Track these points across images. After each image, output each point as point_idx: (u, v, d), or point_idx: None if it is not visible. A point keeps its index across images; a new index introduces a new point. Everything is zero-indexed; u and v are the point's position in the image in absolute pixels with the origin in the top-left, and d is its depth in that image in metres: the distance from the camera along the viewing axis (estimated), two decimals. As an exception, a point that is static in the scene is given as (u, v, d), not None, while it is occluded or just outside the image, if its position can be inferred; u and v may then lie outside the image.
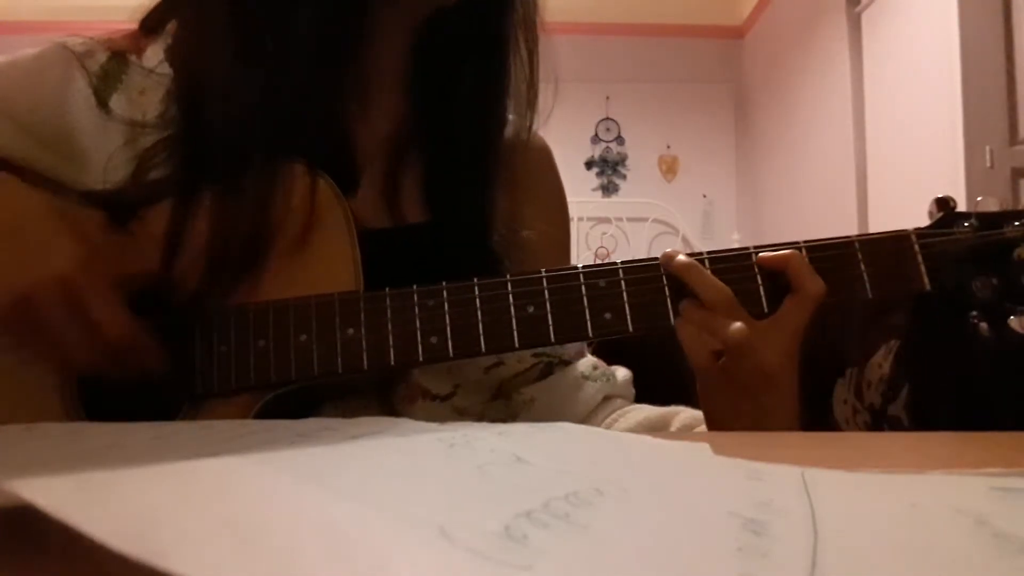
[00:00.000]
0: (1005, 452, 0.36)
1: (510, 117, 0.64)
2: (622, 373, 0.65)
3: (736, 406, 0.50)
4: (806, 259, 0.49)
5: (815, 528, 0.19)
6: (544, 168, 0.70)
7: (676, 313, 0.49)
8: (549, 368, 0.61)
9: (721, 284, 0.49)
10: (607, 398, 0.62)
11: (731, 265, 0.50)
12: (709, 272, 0.49)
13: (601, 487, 0.21)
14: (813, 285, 0.49)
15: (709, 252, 0.51)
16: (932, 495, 0.24)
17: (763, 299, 0.50)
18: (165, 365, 0.50)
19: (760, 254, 0.50)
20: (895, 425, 0.67)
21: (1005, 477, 0.25)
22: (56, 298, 0.46)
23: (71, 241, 0.49)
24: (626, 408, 0.62)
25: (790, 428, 0.50)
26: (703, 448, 0.30)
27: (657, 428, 0.59)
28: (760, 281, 0.50)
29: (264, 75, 0.54)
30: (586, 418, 0.61)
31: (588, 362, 0.64)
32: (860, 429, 0.71)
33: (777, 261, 0.49)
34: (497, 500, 0.18)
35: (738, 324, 0.47)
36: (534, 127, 0.66)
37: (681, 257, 0.50)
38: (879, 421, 0.68)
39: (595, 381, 0.62)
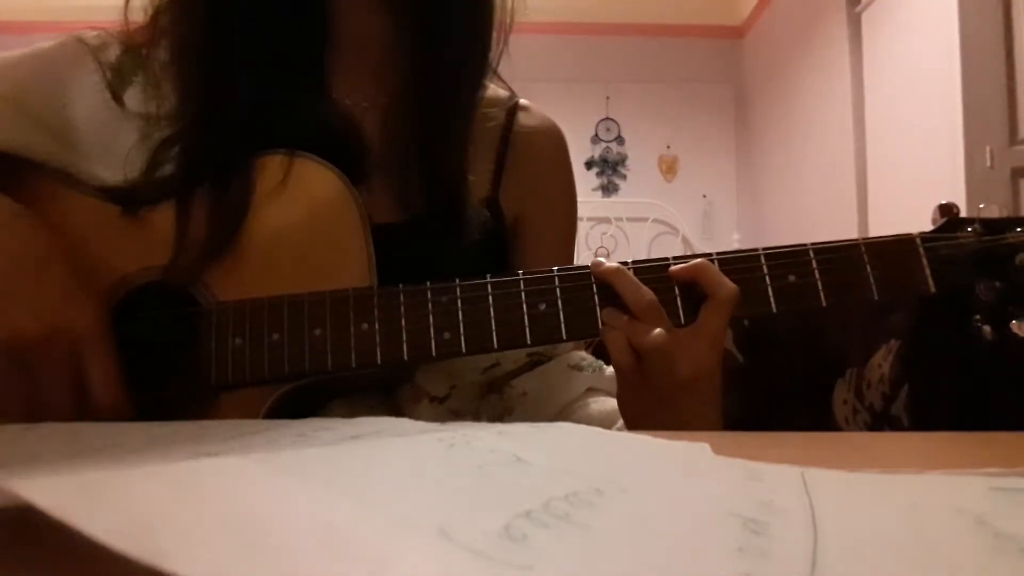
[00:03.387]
0: (1005, 452, 0.36)
1: (504, 94, 0.65)
2: (611, 369, 0.64)
3: (649, 411, 0.51)
4: (715, 266, 0.50)
5: (815, 528, 0.19)
6: (554, 152, 0.70)
7: (603, 320, 0.50)
8: (541, 364, 0.62)
9: (645, 290, 0.49)
10: (591, 390, 0.62)
11: (652, 276, 0.51)
12: (635, 278, 0.50)
13: (601, 487, 0.21)
14: (723, 290, 0.49)
15: (635, 261, 0.51)
16: (932, 495, 0.24)
17: (680, 310, 0.50)
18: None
19: (671, 267, 0.51)
20: (895, 425, 0.67)
21: (1005, 477, 0.25)
22: (62, 354, 0.46)
23: (87, 293, 0.48)
24: (595, 398, 0.62)
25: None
26: (703, 448, 0.30)
27: (612, 420, 0.59)
28: (677, 291, 0.50)
29: (255, 71, 0.55)
30: (566, 405, 0.61)
31: (578, 354, 0.64)
32: (860, 429, 0.71)
33: (687, 272, 0.50)
34: (497, 500, 0.18)
35: (657, 331, 0.48)
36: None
37: (609, 264, 0.50)
38: (879, 421, 0.69)
39: (583, 371, 0.62)
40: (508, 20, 0.63)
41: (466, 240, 0.59)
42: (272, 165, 0.53)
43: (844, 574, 0.16)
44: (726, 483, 0.25)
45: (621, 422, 0.57)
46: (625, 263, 0.51)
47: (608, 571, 0.15)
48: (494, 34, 0.62)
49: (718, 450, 0.30)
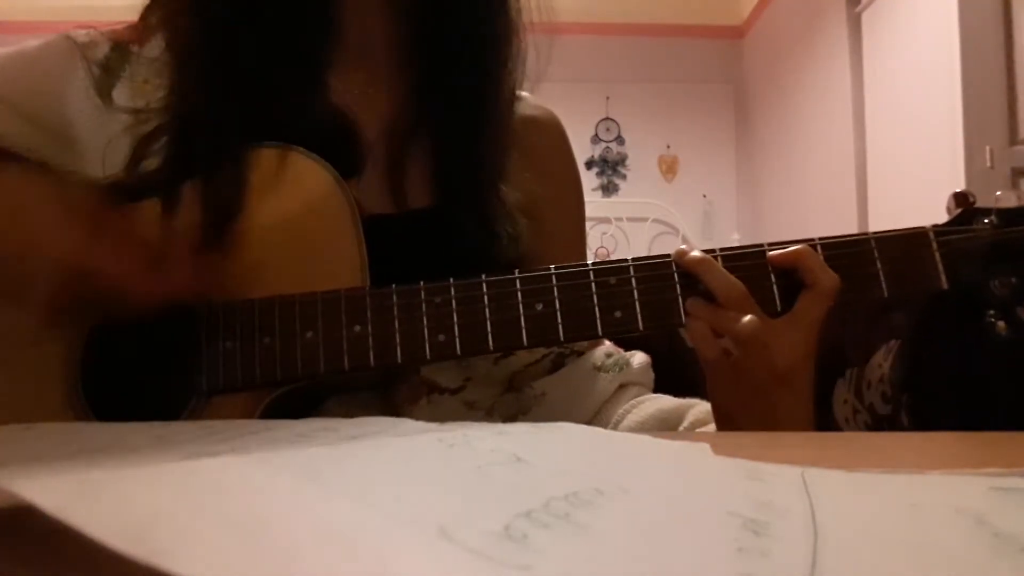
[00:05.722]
0: (1005, 452, 0.36)
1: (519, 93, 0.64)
2: (639, 359, 0.62)
3: (746, 404, 0.49)
4: (818, 254, 0.48)
5: (815, 528, 0.19)
6: (555, 143, 0.69)
7: (686, 311, 0.48)
8: (561, 359, 0.60)
9: (734, 279, 0.48)
10: (622, 386, 0.60)
11: (744, 263, 0.49)
12: (722, 267, 0.48)
13: (601, 487, 0.21)
14: (827, 280, 0.47)
15: (722, 249, 0.50)
16: (932, 495, 0.24)
17: (776, 297, 0.48)
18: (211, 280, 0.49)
19: (770, 252, 0.49)
20: (895, 425, 0.67)
21: (1005, 477, 0.25)
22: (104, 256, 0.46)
23: (78, 221, 0.48)
24: (642, 397, 0.60)
25: (803, 429, 0.49)
26: (703, 448, 0.30)
27: (671, 421, 0.57)
28: (773, 279, 0.49)
29: (251, 64, 0.55)
30: (600, 409, 0.59)
31: (602, 351, 0.62)
32: (860, 429, 0.71)
33: (788, 258, 0.48)
34: (497, 500, 0.18)
35: (749, 317, 0.46)
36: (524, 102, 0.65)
37: (695, 253, 0.49)
38: (879, 421, 0.68)
39: (608, 372, 0.60)
40: (528, 22, 0.61)
41: (462, 234, 0.57)
42: (265, 159, 0.52)
43: (844, 574, 0.16)
44: (726, 483, 0.25)
45: (688, 420, 0.56)
46: (711, 251, 0.49)
47: (608, 571, 0.15)
48: (511, 40, 0.61)
49: (718, 450, 0.30)
